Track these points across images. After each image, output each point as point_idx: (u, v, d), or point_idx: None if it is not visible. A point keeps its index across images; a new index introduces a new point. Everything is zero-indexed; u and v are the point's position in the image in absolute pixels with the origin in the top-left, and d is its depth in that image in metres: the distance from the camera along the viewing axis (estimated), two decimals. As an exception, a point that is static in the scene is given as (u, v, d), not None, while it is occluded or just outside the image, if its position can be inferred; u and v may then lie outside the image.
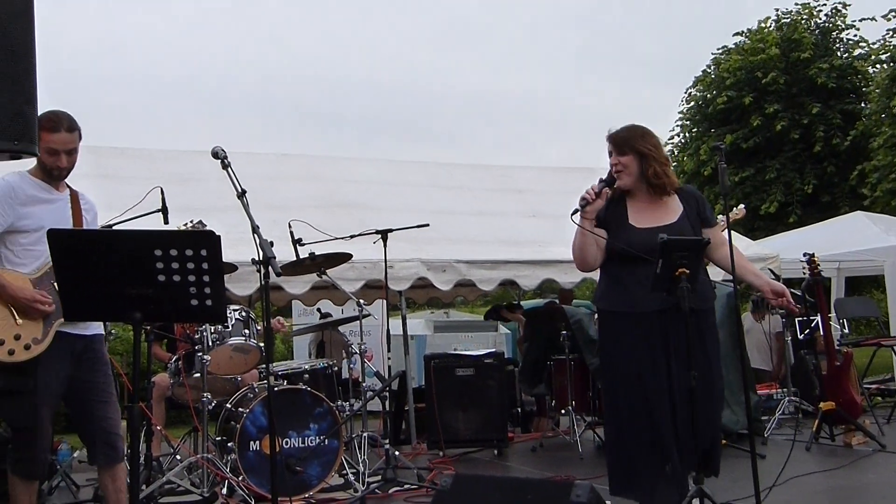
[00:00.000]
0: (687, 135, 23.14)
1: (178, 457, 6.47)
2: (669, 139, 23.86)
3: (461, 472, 6.67)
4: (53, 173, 4.21)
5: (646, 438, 4.38)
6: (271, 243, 3.80)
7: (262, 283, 3.84)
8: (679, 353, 4.34)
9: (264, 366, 6.89)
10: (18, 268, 4.05)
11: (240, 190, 4.04)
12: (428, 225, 7.30)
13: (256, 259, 3.83)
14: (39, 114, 3.50)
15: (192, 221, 5.78)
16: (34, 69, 2.65)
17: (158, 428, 6.65)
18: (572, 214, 4.60)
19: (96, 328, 4.40)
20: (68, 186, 4.41)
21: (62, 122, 4.12)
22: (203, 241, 3.19)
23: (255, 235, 3.83)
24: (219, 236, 3.18)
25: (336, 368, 7.08)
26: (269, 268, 3.75)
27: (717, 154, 4.54)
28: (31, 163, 4.07)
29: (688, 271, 4.21)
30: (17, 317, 3.97)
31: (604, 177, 4.61)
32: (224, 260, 5.18)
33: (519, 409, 9.49)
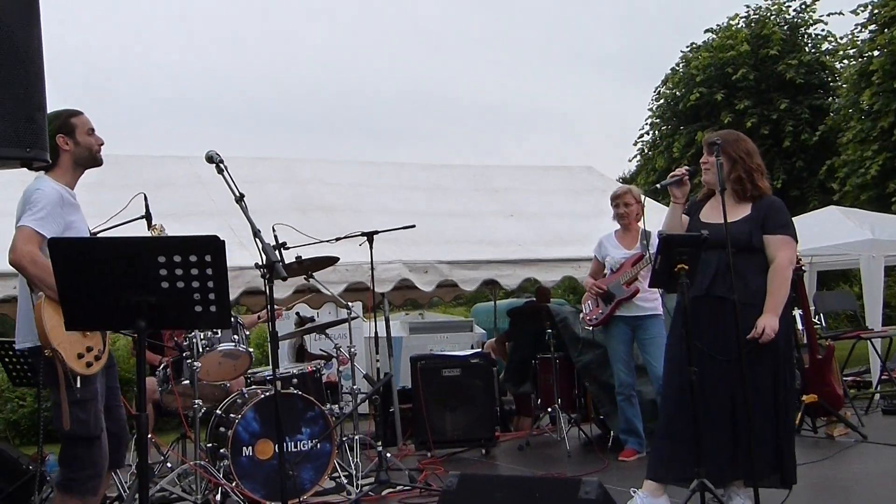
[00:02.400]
0: (657, 133, 23.25)
1: (169, 464, 6.43)
2: (639, 137, 24.02)
3: (454, 471, 6.68)
4: (97, 156, 4.36)
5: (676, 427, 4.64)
6: (275, 247, 3.78)
7: (267, 287, 3.82)
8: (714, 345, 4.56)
9: (253, 371, 6.91)
10: None
11: (237, 194, 4.04)
12: (414, 226, 7.32)
13: (260, 264, 3.80)
14: (51, 119, 3.57)
15: (157, 226, 5.66)
16: (42, 75, 2.63)
17: (149, 435, 6.59)
18: (659, 185, 5.04)
19: None
20: None
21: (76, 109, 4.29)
22: (207, 246, 3.15)
23: (257, 240, 3.82)
24: (223, 241, 3.16)
25: (323, 372, 7.06)
26: (274, 272, 3.74)
27: (714, 149, 4.59)
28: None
29: (687, 267, 4.25)
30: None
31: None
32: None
33: (498, 409, 9.51)
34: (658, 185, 5.14)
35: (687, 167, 4.88)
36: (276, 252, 6.30)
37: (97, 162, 4.38)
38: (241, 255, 6.95)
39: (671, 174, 4.92)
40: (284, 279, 3.76)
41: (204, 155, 4.29)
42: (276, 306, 4.11)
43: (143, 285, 3.14)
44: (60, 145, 4.23)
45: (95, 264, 3.18)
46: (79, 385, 4.03)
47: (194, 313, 3.25)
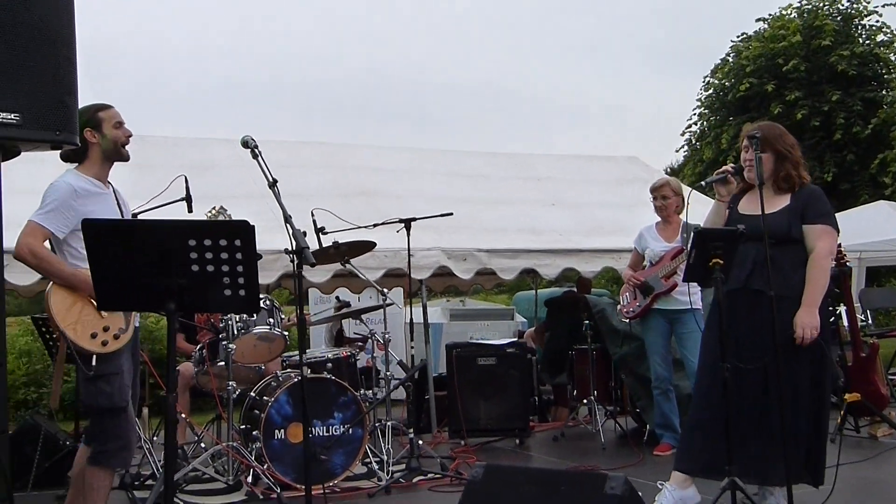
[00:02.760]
0: (706, 123, 23.02)
1: (203, 445, 6.49)
2: (687, 128, 23.79)
3: (486, 461, 6.68)
4: (122, 150, 4.44)
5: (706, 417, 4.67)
6: (304, 234, 3.79)
7: (295, 272, 3.83)
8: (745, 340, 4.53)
9: (289, 355, 6.95)
10: (84, 263, 4.09)
11: (271, 179, 4.04)
12: (452, 214, 7.29)
13: (290, 249, 3.81)
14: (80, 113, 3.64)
15: (214, 208, 5.78)
16: (75, 60, 2.65)
17: (183, 416, 6.68)
18: (704, 182, 5.07)
19: (138, 320, 4.56)
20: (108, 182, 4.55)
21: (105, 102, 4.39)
22: (237, 231, 3.15)
23: (288, 225, 3.82)
24: (253, 226, 3.15)
25: (358, 357, 7.08)
26: (303, 258, 3.74)
27: (753, 143, 4.51)
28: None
29: (722, 261, 4.20)
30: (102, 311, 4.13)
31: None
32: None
33: (536, 399, 9.48)
34: (703, 182, 5.10)
35: (733, 165, 4.79)
36: (315, 236, 6.44)
37: (122, 156, 4.47)
38: (283, 239, 6.97)
39: (716, 171, 4.85)
40: (312, 265, 3.75)
41: (240, 139, 4.28)
42: (309, 292, 4.14)
43: (173, 268, 3.15)
44: (88, 138, 4.30)
45: (127, 246, 3.21)
46: (94, 363, 4.14)
47: (223, 297, 3.25)
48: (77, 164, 4.40)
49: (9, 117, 2.48)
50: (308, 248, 3.74)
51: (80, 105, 3.26)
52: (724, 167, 4.82)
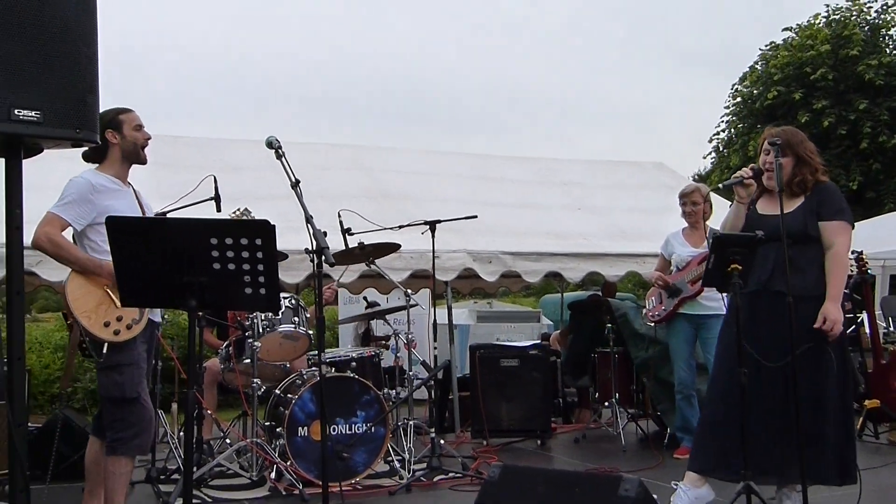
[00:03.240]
0: (733, 130, 22.90)
1: (228, 440, 6.49)
2: (715, 135, 23.69)
3: (506, 462, 6.64)
4: (141, 152, 4.53)
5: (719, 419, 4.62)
6: (325, 234, 3.77)
7: (315, 272, 3.81)
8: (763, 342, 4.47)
9: (314, 353, 6.93)
10: (104, 256, 4.14)
11: (293, 180, 4.03)
12: (476, 217, 7.24)
13: (310, 249, 3.80)
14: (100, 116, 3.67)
15: (238, 210, 5.79)
16: (96, 59, 2.64)
17: (209, 412, 6.68)
18: (722, 184, 4.99)
19: (158, 315, 4.67)
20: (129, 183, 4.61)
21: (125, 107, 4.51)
22: (258, 230, 3.14)
23: (309, 225, 3.81)
24: (273, 226, 3.14)
25: (382, 357, 7.06)
26: (323, 258, 3.72)
27: (774, 149, 4.44)
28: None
29: (740, 267, 4.15)
30: (116, 301, 4.17)
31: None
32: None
33: (560, 400, 9.43)
34: (721, 185, 5.08)
35: (752, 166, 4.74)
36: (342, 236, 6.44)
37: (140, 158, 4.56)
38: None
39: (734, 175, 4.80)
40: (332, 265, 3.74)
41: (264, 140, 4.27)
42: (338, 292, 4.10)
43: (194, 266, 3.15)
44: (109, 139, 4.43)
45: (149, 243, 3.20)
46: (105, 351, 4.19)
47: (244, 295, 3.24)
48: (97, 165, 4.50)
49: (30, 115, 2.48)
50: (328, 247, 3.72)
51: (102, 106, 3.35)
52: (742, 170, 4.76)
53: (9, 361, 2.58)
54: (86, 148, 4.33)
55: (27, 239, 3.53)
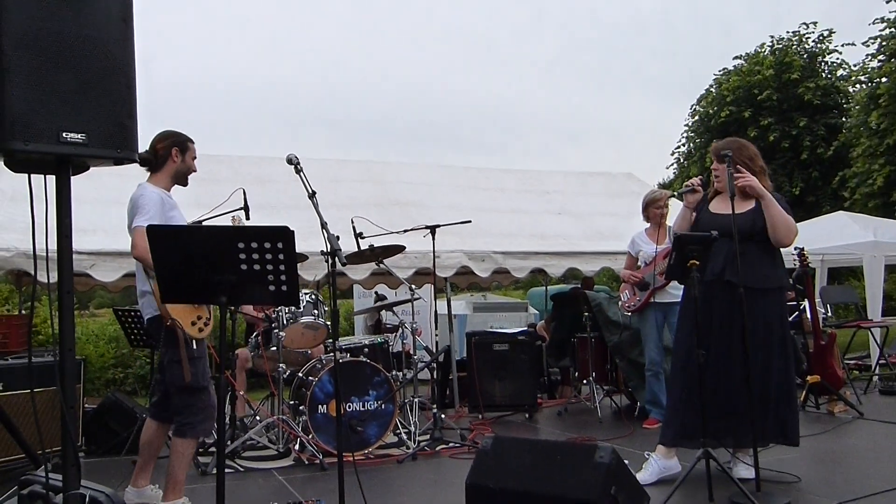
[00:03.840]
0: (692, 145, 22.87)
1: (258, 418, 6.44)
2: (676, 148, 23.67)
3: (499, 433, 6.60)
4: (187, 178, 4.57)
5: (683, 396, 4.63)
6: (338, 237, 3.72)
7: (330, 271, 3.77)
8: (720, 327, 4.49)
9: (331, 341, 6.89)
10: None
11: (310, 191, 3.97)
12: (470, 221, 7.22)
13: (325, 251, 3.75)
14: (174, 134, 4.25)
15: (233, 217, 5.65)
16: (134, 86, 2.60)
17: (241, 393, 6.64)
18: (676, 193, 5.12)
19: None
20: None
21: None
22: (279, 235, 3.11)
23: (324, 231, 3.75)
24: (292, 231, 3.10)
25: (391, 343, 7.01)
26: (336, 258, 3.68)
27: (727, 161, 4.41)
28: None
29: (698, 262, 4.11)
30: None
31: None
32: (296, 251, 5.15)
33: (546, 379, 9.38)
34: (675, 193, 5.10)
35: (700, 177, 4.76)
36: (355, 239, 6.39)
37: (184, 182, 4.57)
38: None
39: (685, 184, 4.84)
40: (344, 265, 3.69)
41: (285, 157, 4.22)
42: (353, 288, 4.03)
43: (224, 267, 3.11)
44: (172, 155, 4.45)
45: (185, 248, 3.16)
46: (194, 346, 4.23)
47: (268, 291, 3.21)
48: (150, 172, 4.46)
49: (77, 137, 2.44)
50: (340, 250, 3.68)
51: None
52: (691, 180, 4.80)
53: (60, 352, 2.53)
54: (146, 153, 4.40)
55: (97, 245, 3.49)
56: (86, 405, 6.66)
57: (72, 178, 2.63)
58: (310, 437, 5.68)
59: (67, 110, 2.43)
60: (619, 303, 7.26)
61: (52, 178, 2.60)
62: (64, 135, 2.43)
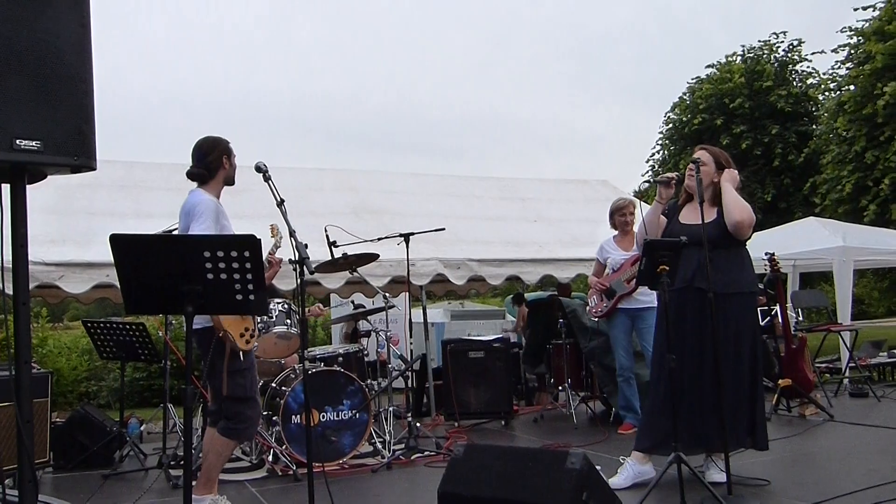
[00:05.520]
0: (666, 152, 22.96)
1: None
2: (651, 156, 23.71)
3: (474, 440, 6.56)
4: (234, 179, 4.60)
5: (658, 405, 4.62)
6: (306, 246, 3.67)
7: (298, 280, 3.71)
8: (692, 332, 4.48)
9: (311, 351, 6.81)
10: None
11: (278, 199, 3.92)
12: (444, 229, 7.17)
13: (293, 259, 3.69)
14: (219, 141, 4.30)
15: (273, 227, 5.57)
16: (92, 92, 2.53)
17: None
18: (652, 179, 5.05)
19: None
20: None
21: None
22: (246, 244, 3.04)
23: (292, 239, 3.70)
24: (259, 240, 3.04)
25: (366, 352, 6.94)
26: (305, 267, 3.62)
27: (695, 166, 4.41)
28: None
29: (668, 268, 4.10)
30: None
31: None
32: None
33: (523, 385, 9.34)
34: (653, 180, 5.12)
35: (677, 173, 4.75)
36: (328, 248, 6.31)
37: (232, 183, 4.60)
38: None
39: (663, 174, 4.87)
40: (312, 273, 3.64)
41: (253, 165, 4.16)
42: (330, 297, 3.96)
43: (190, 276, 3.04)
44: (223, 163, 4.48)
45: (150, 258, 3.09)
46: (241, 358, 4.27)
47: (235, 301, 3.14)
48: (202, 183, 4.45)
49: (31, 144, 2.36)
50: (308, 258, 3.62)
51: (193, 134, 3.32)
52: (669, 173, 4.82)
53: (16, 364, 2.46)
54: (197, 169, 4.41)
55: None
56: (56, 419, 6.54)
57: (40, 185, 2.56)
58: (283, 447, 5.60)
59: (21, 117, 2.35)
60: (588, 308, 7.26)
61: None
62: (18, 142, 2.36)
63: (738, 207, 4.47)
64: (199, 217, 4.16)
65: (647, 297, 6.60)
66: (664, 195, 4.72)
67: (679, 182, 4.68)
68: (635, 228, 6.66)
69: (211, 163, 4.45)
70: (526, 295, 12.62)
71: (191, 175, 4.46)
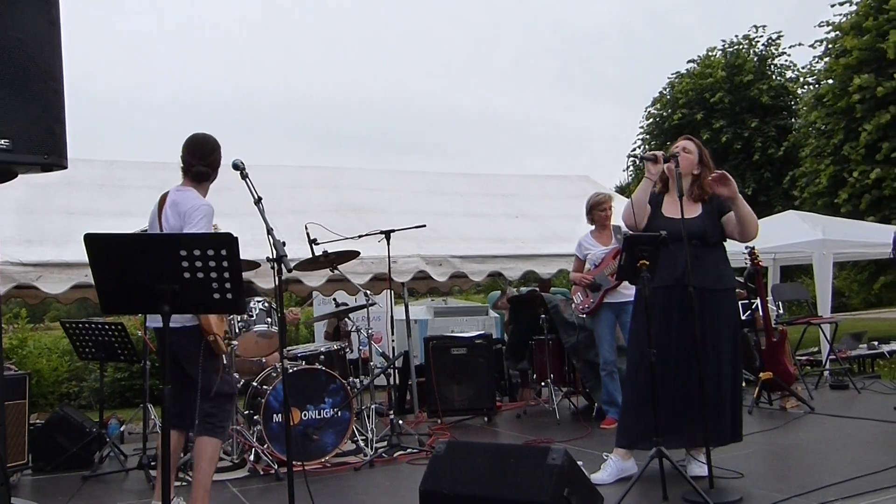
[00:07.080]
0: (647, 147, 23.04)
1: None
2: (632, 150, 23.79)
3: (456, 437, 6.55)
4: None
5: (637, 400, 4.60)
6: (284, 243, 3.63)
7: (276, 278, 3.67)
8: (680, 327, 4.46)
9: (289, 348, 6.77)
10: None
11: (256, 197, 3.88)
12: (425, 226, 7.14)
13: (271, 257, 3.66)
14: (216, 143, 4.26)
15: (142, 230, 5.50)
16: (62, 91, 2.50)
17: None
18: (640, 158, 5.00)
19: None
20: None
21: None
22: (222, 242, 3.01)
23: (270, 237, 3.66)
24: (236, 238, 3.01)
25: (349, 350, 6.91)
26: (282, 265, 3.59)
27: (673, 161, 4.41)
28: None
29: (648, 262, 4.09)
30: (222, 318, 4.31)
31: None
32: (249, 258, 5.07)
33: (506, 381, 9.34)
34: (639, 156, 5.14)
35: (663, 153, 4.69)
36: (309, 246, 6.27)
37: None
38: (287, 249, 6.81)
39: (650, 152, 4.88)
40: (290, 271, 3.61)
41: (231, 163, 4.11)
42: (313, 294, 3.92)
43: (166, 275, 3.00)
44: (220, 164, 4.47)
45: (126, 257, 3.05)
46: (224, 360, 4.32)
47: (213, 300, 3.10)
48: (198, 183, 4.42)
49: (0, 143, 2.31)
50: (286, 256, 3.59)
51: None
52: (655, 151, 4.84)
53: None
54: (203, 169, 4.39)
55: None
56: (36, 420, 6.48)
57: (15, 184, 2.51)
58: (265, 446, 5.57)
59: (-10, 116, 2.32)
60: (573, 305, 7.25)
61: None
62: (-14, 141, 2.32)
63: (753, 224, 4.51)
64: (199, 223, 4.11)
65: (631, 291, 6.55)
66: (653, 171, 4.66)
67: (667, 160, 4.63)
68: (615, 221, 6.68)
69: (213, 162, 4.41)
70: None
71: (197, 173, 4.38)
